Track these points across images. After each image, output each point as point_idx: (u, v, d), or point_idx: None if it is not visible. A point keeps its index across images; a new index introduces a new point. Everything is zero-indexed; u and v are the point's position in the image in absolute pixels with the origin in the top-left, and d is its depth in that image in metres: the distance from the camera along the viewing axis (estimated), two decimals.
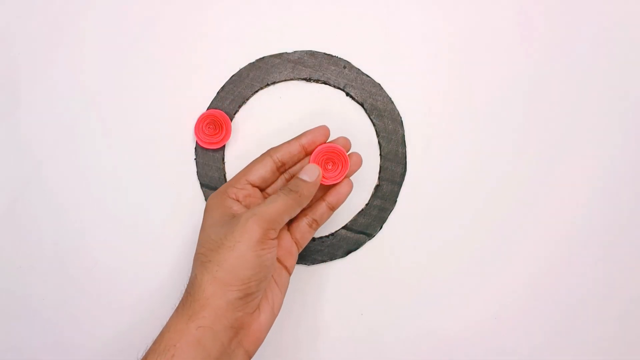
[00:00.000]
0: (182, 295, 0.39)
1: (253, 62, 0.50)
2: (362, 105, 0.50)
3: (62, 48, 0.49)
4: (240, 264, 0.37)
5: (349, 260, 0.49)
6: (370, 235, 0.49)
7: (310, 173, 0.42)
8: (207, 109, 0.49)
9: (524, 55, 0.50)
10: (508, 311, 0.49)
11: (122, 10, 0.50)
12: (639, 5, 0.51)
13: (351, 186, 0.44)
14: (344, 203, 0.45)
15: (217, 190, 0.42)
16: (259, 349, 0.48)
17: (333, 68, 0.50)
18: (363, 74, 0.50)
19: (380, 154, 0.50)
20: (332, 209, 0.45)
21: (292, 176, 0.45)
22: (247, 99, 0.50)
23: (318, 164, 0.43)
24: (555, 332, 0.50)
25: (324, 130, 0.44)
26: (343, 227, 0.49)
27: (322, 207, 0.44)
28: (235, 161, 0.49)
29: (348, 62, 0.50)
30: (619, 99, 0.50)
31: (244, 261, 0.37)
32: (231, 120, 0.49)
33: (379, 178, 0.50)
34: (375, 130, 0.50)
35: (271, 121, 0.50)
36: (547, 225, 0.50)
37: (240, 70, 0.50)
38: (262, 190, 0.44)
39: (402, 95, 0.50)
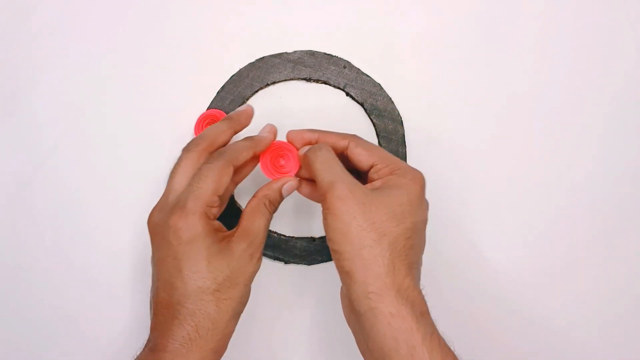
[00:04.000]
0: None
1: (253, 62, 0.50)
2: (362, 105, 0.50)
3: (62, 48, 0.50)
4: (248, 289, 0.38)
5: None
6: None
7: (290, 189, 0.41)
8: (207, 108, 0.49)
9: (524, 55, 0.51)
10: (508, 312, 0.49)
11: (122, 10, 0.50)
12: (638, 6, 0.51)
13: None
14: None
15: (194, 212, 0.36)
16: (259, 349, 0.49)
17: (333, 68, 0.50)
18: (363, 73, 0.50)
19: None
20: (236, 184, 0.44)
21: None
22: (247, 99, 0.50)
23: (270, 159, 0.42)
24: (556, 332, 0.49)
25: (272, 137, 0.43)
26: None
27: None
28: None
29: (348, 62, 0.50)
30: (618, 99, 0.50)
31: (247, 294, 0.38)
32: None
33: None
34: (376, 130, 0.50)
35: (271, 121, 0.49)
36: (549, 225, 0.50)
37: (240, 70, 0.50)
38: None
39: (402, 95, 0.50)
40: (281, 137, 0.48)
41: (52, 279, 0.49)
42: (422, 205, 0.38)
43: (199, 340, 0.35)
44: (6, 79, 0.49)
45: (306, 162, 0.40)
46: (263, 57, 0.50)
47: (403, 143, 0.50)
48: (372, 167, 0.39)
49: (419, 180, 0.38)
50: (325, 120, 0.50)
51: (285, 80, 0.50)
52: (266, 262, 0.48)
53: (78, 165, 0.49)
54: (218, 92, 0.49)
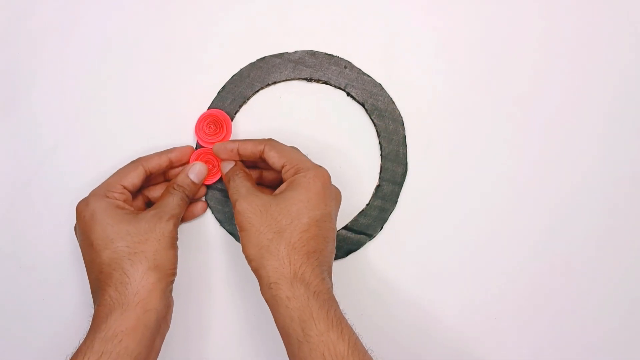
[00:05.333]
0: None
1: (254, 62, 0.50)
2: (363, 105, 0.50)
3: (62, 48, 0.50)
4: (170, 253, 0.42)
5: (349, 261, 0.49)
6: (370, 236, 0.49)
7: (199, 174, 0.46)
8: (208, 108, 0.49)
9: (525, 55, 0.50)
10: (509, 312, 0.49)
11: (123, 11, 0.50)
12: (636, 6, 0.51)
13: (205, 209, 0.49)
14: (344, 202, 0.45)
15: (95, 194, 0.43)
16: (258, 348, 0.48)
17: (334, 68, 0.50)
18: (364, 74, 0.50)
19: (381, 154, 0.50)
20: (182, 221, 0.48)
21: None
22: (248, 99, 0.50)
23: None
24: (555, 332, 0.49)
25: (190, 149, 0.48)
26: (343, 228, 0.49)
27: None
28: None
29: (349, 62, 0.50)
30: (618, 99, 0.50)
31: (171, 251, 0.42)
32: (232, 119, 0.49)
33: (379, 178, 0.49)
34: (376, 131, 0.50)
35: (272, 121, 0.50)
36: (549, 225, 0.50)
37: (241, 70, 0.49)
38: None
39: (403, 95, 0.50)
40: (282, 138, 0.48)
41: (52, 279, 0.48)
42: (324, 199, 0.41)
43: (120, 298, 0.39)
44: (6, 79, 0.49)
45: (225, 184, 0.45)
46: (264, 57, 0.50)
47: (404, 143, 0.50)
48: (282, 167, 0.43)
49: (321, 177, 0.42)
50: (326, 120, 0.50)
51: (286, 80, 0.50)
52: None
53: (78, 165, 0.49)
54: (219, 92, 0.49)
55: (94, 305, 0.41)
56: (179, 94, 0.49)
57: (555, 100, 0.50)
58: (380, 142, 0.50)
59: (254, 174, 0.48)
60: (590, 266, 0.50)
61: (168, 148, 0.47)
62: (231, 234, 0.49)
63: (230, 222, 0.49)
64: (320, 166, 0.43)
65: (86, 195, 0.43)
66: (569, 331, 0.49)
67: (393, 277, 0.49)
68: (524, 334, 0.49)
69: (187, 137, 0.49)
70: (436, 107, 0.50)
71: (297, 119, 0.50)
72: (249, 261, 0.41)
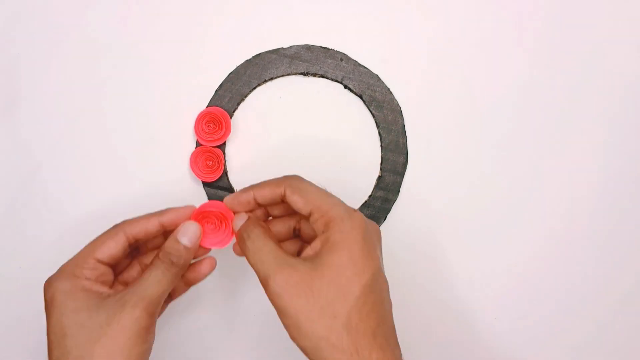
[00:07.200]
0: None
1: (249, 59, 0.50)
2: (360, 97, 0.50)
3: (62, 48, 0.50)
4: (132, 352, 0.33)
5: None
6: None
7: (190, 235, 0.37)
8: (206, 107, 0.49)
9: (525, 42, 0.50)
10: (510, 311, 0.49)
11: (120, 10, 0.50)
12: (635, 7, 0.50)
13: (214, 266, 0.40)
14: (347, 195, 0.45)
15: (60, 273, 0.36)
16: (259, 346, 0.48)
17: (330, 61, 0.50)
18: (360, 65, 0.50)
19: (381, 145, 0.49)
20: (188, 285, 0.40)
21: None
22: (246, 96, 0.50)
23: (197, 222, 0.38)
24: (557, 328, 0.49)
25: (191, 210, 0.39)
26: None
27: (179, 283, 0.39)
28: (236, 158, 0.49)
29: (345, 54, 0.50)
30: (618, 99, 0.50)
31: (135, 349, 0.33)
32: (231, 117, 0.49)
33: (380, 169, 0.49)
34: (375, 122, 0.50)
35: (271, 117, 0.50)
36: (552, 215, 0.50)
37: (237, 68, 0.50)
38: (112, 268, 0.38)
39: (400, 85, 0.50)
40: (282, 134, 0.48)
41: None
42: (369, 254, 0.34)
43: None
44: (6, 79, 0.49)
45: (241, 247, 0.37)
46: (259, 54, 0.50)
47: (403, 133, 0.49)
48: (310, 216, 0.36)
49: (358, 227, 0.35)
50: (325, 113, 0.50)
51: (282, 75, 0.50)
52: None
53: (78, 164, 0.49)
54: (216, 91, 0.49)
55: None
56: (177, 93, 0.49)
57: (556, 84, 0.50)
58: (379, 133, 0.50)
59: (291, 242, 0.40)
60: (588, 264, 0.50)
61: (161, 209, 0.38)
62: None
63: None
64: (354, 210, 0.36)
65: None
66: (569, 330, 0.49)
67: (398, 267, 0.49)
68: (525, 333, 0.49)
69: (186, 137, 0.49)
70: (435, 95, 0.50)
71: (296, 114, 0.50)
72: (306, 354, 0.34)
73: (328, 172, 0.46)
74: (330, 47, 0.50)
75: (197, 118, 0.48)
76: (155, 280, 0.35)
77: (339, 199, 0.37)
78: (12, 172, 0.49)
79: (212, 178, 0.48)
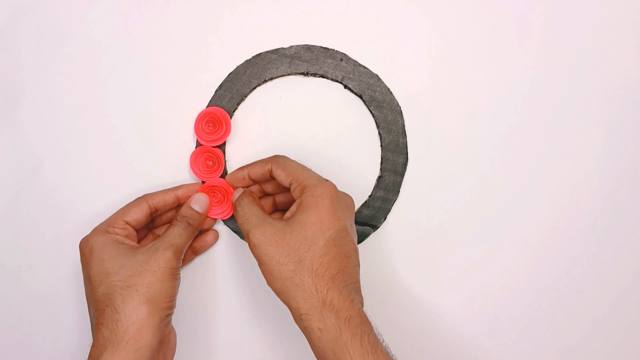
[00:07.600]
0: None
1: (249, 59, 0.50)
2: (360, 97, 0.50)
3: (62, 48, 0.50)
4: (166, 285, 0.41)
5: None
6: (374, 227, 0.49)
7: (201, 203, 0.46)
8: (207, 107, 0.49)
9: (525, 41, 0.50)
10: (510, 310, 0.49)
11: (121, 10, 0.50)
12: (635, 7, 0.50)
13: (217, 237, 0.48)
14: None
15: (96, 230, 0.43)
16: (264, 346, 0.48)
17: (330, 61, 0.50)
18: (360, 65, 0.50)
19: (381, 145, 0.49)
20: (196, 253, 0.48)
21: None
22: (246, 96, 0.50)
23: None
24: (556, 328, 0.49)
25: (199, 185, 0.48)
26: None
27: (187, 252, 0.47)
28: (236, 158, 0.49)
29: (345, 54, 0.50)
30: (617, 99, 0.50)
31: (168, 283, 0.41)
32: (231, 117, 0.49)
33: (380, 169, 0.49)
34: (375, 122, 0.50)
35: (271, 117, 0.50)
36: (552, 215, 0.50)
37: (237, 68, 0.50)
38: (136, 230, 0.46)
39: (400, 85, 0.50)
40: (282, 133, 0.48)
41: (52, 279, 0.49)
42: (335, 215, 0.40)
43: (112, 337, 0.38)
44: (8, 77, 0.49)
45: (234, 213, 0.44)
46: (259, 54, 0.50)
47: (403, 133, 0.49)
48: (290, 186, 0.43)
49: (327, 193, 0.41)
50: (325, 113, 0.50)
51: (282, 75, 0.50)
52: None
53: (78, 164, 0.49)
54: (216, 90, 0.49)
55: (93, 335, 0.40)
56: (177, 93, 0.49)
57: (557, 84, 0.50)
58: (379, 133, 0.50)
59: (268, 201, 0.47)
60: (587, 263, 0.49)
61: (174, 185, 0.47)
62: (235, 232, 0.49)
63: (233, 220, 0.48)
64: (325, 180, 0.42)
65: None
66: (568, 329, 0.49)
67: (398, 266, 0.49)
68: (525, 333, 0.49)
69: (186, 137, 0.49)
70: (434, 95, 0.50)
71: (296, 114, 0.50)
72: (277, 294, 0.40)
73: (328, 172, 0.46)
74: (330, 47, 0.50)
75: (197, 118, 0.48)
76: (177, 234, 0.43)
77: (315, 173, 0.43)
78: (14, 170, 0.49)
79: (212, 178, 0.48)
